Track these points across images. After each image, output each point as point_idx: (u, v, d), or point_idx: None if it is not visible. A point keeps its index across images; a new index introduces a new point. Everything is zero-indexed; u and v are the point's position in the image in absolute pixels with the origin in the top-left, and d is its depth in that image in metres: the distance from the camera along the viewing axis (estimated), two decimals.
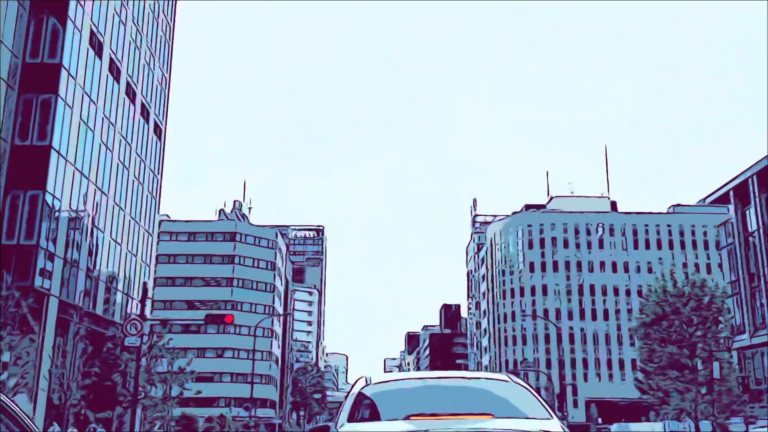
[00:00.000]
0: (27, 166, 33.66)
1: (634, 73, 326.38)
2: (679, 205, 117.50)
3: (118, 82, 45.21)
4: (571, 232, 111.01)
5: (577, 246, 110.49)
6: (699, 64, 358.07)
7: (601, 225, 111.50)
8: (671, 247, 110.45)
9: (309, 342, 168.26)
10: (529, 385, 5.78)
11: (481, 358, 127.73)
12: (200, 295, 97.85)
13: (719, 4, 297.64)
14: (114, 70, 44.21)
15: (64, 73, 35.63)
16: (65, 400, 33.22)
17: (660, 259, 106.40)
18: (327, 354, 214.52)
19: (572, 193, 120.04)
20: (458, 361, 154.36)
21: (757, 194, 51.51)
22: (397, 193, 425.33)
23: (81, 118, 38.25)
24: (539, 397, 5.49)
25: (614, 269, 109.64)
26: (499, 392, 5.59)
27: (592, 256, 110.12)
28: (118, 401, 37.79)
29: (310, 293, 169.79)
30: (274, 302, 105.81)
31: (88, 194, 39.47)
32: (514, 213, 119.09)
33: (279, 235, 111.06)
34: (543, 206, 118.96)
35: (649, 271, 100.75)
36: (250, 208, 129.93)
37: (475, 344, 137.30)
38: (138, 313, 35.35)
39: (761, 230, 51.14)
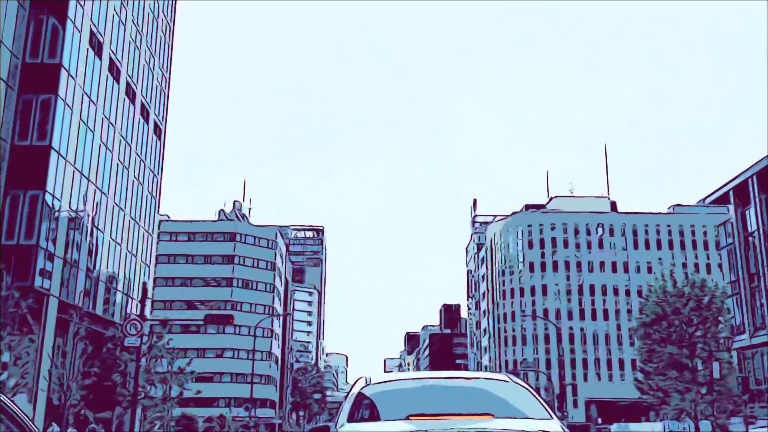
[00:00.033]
0: (27, 166, 33.66)
1: (634, 73, 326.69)
2: (679, 205, 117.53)
3: (118, 82, 45.22)
4: (571, 232, 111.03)
5: (577, 246, 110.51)
6: (699, 64, 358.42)
7: (601, 225, 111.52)
8: (671, 247, 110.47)
9: (309, 342, 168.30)
10: (528, 385, 5.79)
11: (481, 358, 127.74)
12: (200, 296, 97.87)
13: (719, 4, 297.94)
14: (114, 70, 44.21)
15: (63, 73, 35.63)
16: (65, 400, 33.22)
17: (660, 259, 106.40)
18: (327, 354, 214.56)
19: (572, 193, 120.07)
20: (458, 361, 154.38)
21: (756, 194, 51.52)
22: (397, 193, 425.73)
23: (81, 118, 38.26)
24: (539, 398, 5.49)
25: (614, 269, 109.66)
26: (499, 392, 5.59)
27: (592, 256, 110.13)
28: (117, 401, 37.82)
29: (310, 293, 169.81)
30: (273, 302, 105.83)
31: (87, 194, 39.48)
32: (514, 213, 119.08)
33: (279, 235, 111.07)
34: (543, 206, 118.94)
35: (649, 271, 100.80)
36: (250, 209, 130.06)
37: (475, 344, 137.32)
38: (138, 313, 35.36)
39: (761, 230, 51.15)
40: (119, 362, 37.75)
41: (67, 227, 36.89)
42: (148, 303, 38.36)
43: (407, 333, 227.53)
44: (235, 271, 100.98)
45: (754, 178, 51.94)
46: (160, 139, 55.71)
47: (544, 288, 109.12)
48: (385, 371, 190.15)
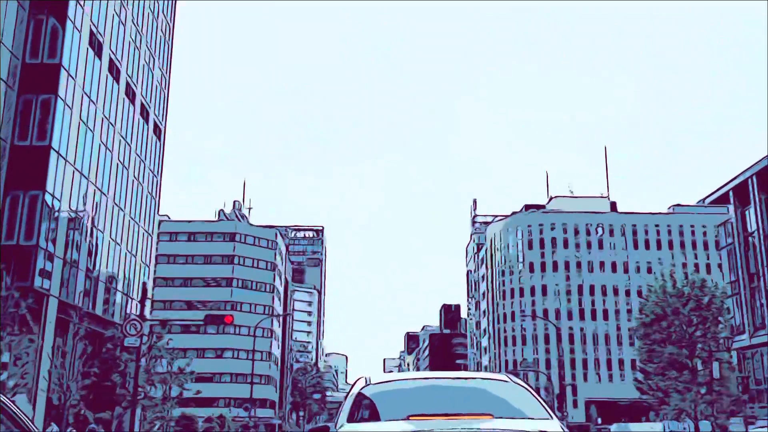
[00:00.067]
0: (27, 166, 33.66)
1: (634, 73, 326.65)
2: (678, 205, 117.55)
3: (118, 83, 45.22)
4: (570, 232, 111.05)
5: (577, 246, 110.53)
6: (699, 64, 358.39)
7: (600, 225, 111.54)
8: (671, 247, 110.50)
9: (309, 342, 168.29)
10: (528, 385, 5.79)
11: (480, 358, 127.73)
12: (200, 296, 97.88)
13: (719, 4, 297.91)
14: (114, 71, 44.22)
15: (63, 74, 35.63)
16: (65, 400, 33.22)
17: (660, 259, 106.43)
18: (327, 354, 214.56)
19: (572, 193, 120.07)
20: (458, 362, 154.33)
21: (756, 194, 51.54)
22: (397, 193, 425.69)
23: (81, 119, 38.26)
24: (539, 398, 5.49)
25: (614, 269, 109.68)
26: (498, 392, 5.59)
27: (592, 256, 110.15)
28: (117, 401, 37.83)
29: (310, 293, 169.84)
30: (273, 302, 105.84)
31: (87, 194, 39.48)
32: (513, 213, 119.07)
33: (279, 235, 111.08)
34: (543, 206, 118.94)
35: (649, 271, 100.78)
36: (249, 209, 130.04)
37: (474, 344, 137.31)
38: (137, 313, 35.37)
39: (761, 230, 51.16)
40: (119, 362, 37.76)
41: (67, 227, 36.89)
42: (148, 303, 38.35)
43: (407, 333, 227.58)
44: (234, 271, 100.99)
45: (754, 178, 51.95)
46: (159, 139, 55.71)
47: (544, 288, 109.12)
48: (384, 371, 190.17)
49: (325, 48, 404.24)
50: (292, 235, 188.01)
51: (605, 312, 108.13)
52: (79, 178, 38.09)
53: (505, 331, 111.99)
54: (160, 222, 71.47)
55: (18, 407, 3.89)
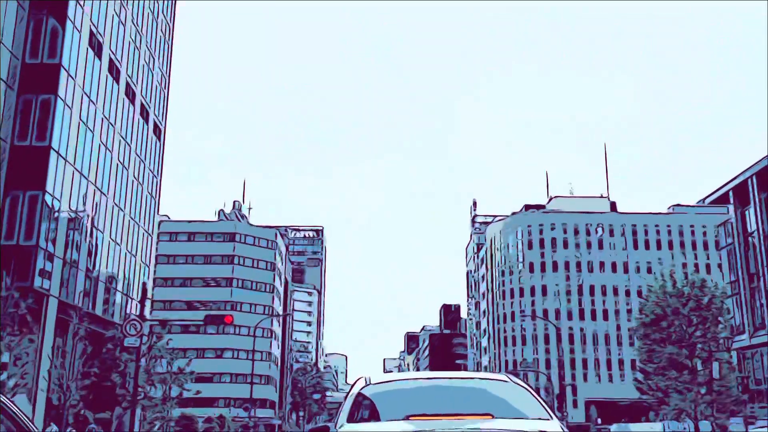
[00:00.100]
0: (26, 166, 33.66)
1: (634, 73, 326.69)
2: (678, 205, 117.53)
3: (118, 83, 45.21)
4: (570, 232, 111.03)
5: (577, 246, 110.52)
6: (699, 64, 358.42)
7: (600, 225, 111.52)
8: (671, 247, 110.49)
9: (308, 342, 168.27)
10: (528, 385, 5.79)
11: (480, 358, 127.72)
12: (200, 296, 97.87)
13: (719, 4, 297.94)
14: (113, 71, 44.21)
15: (63, 74, 35.62)
16: (64, 400, 33.22)
17: (660, 259, 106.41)
18: (326, 354, 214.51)
19: (572, 193, 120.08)
20: (458, 362, 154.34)
21: (756, 194, 51.53)
22: (397, 193, 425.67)
23: (80, 119, 38.25)
24: (539, 398, 5.49)
25: (614, 269, 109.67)
26: (498, 393, 5.60)
27: (592, 256, 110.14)
28: (117, 402, 37.83)
29: (310, 293, 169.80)
30: (273, 302, 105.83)
31: (87, 195, 39.47)
32: (513, 213, 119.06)
33: (278, 235, 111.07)
34: (543, 206, 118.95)
35: (649, 271, 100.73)
36: (249, 209, 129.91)
37: (474, 345, 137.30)
38: (137, 313, 35.36)
39: (761, 230, 51.15)
40: (119, 362, 37.76)
41: (67, 227, 36.88)
42: (148, 303, 38.32)
43: (407, 333, 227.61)
44: (234, 271, 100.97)
45: (754, 178, 51.94)
46: (159, 140, 55.71)
47: (544, 288, 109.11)
48: (384, 371, 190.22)
49: (325, 48, 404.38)
50: (292, 235, 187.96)
51: (605, 312, 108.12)
52: (79, 178, 38.09)
53: (505, 331, 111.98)
54: (160, 222, 71.50)
55: (18, 407, 3.89)
